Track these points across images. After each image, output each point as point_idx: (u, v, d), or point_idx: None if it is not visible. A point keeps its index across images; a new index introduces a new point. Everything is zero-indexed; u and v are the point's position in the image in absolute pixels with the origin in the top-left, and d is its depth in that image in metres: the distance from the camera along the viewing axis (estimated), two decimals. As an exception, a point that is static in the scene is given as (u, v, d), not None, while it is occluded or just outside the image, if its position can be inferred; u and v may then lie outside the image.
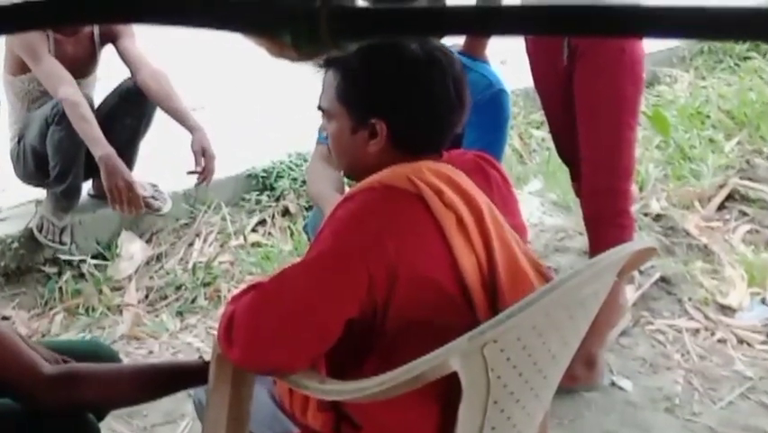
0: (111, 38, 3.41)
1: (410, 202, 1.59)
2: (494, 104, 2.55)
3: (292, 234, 3.76)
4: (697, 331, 3.17)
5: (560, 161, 3.08)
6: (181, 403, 2.67)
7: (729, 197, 3.95)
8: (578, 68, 2.63)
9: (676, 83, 5.33)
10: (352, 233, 1.57)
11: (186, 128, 3.26)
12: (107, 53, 3.49)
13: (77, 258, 3.51)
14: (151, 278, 3.54)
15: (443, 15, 0.59)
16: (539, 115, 4.37)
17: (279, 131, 4.27)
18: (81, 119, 3.15)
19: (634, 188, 3.08)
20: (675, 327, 3.18)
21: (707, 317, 3.22)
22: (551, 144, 3.34)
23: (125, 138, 3.42)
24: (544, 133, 4.39)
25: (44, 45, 3.24)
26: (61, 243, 3.48)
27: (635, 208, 3.29)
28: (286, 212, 3.90)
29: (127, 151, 3.40)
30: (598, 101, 2.62)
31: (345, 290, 1.55)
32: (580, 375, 2.72)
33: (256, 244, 3.73)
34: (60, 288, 3.43)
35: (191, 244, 3.71)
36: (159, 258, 3.64)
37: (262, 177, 3.98)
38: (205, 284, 3.49)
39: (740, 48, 5.52)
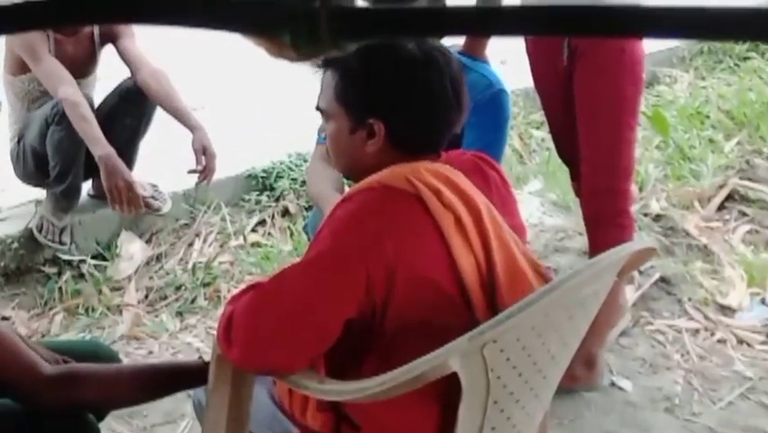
0: (111, 38, 3.41)
1: (409, 202, 1.59)
2: (494, 104, 2.55)
3: (292, 234, 3.76)
4: (697, 331, 3.17)
5: (560, 161, 3.08)
6: (181, 403, 2.67)
7: (729, 197, 3.95)
8: (578, 68, 2.63)
9: (676, 83, 5.33)
10: (350, 233, 1.57)
11: (186, 127, 3.26)
12: (107, 53, 3.49)
13: (76, 258, 3.51)
14: (151, 278, 3.54)
15: (443, 15, 0.60)
16: (539, 115, 4.37)
17: (279, 131, 4.27)
18: (81, 119, 3.15)
19: (633, 188, 3.08)
20: (675, 327, 3.18)
21: (706, 318, 3.22)
22: (551, 144, 3.34)
23: (125, 138, 3.42)
24: (543, 133, 4.39)
25: (44, 45, 3.24)
26: (61, 243, 3.48)
27: (634, 208, 3.29)
28: (285, 212, 3.90)
29: (127, 151, 3.40)
30: (598, 101, 2.62)
31: (344, 291, 1.55)
32: (580, 375, 2.72)
33: (256, 245, 3.73)
34: (60, 288, 3.43)
35: (191, 245, 3.71)
36: (158, 258, 3.64)
37: (262, 177, 3.98)
38: (205, 284, 3.49)
39: (740, 48, 5.51)
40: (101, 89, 3.54)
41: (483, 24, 0.61)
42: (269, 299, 1.58)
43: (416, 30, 0.66)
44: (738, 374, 2.94)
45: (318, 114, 1.76)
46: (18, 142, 3.44)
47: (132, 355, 3.09)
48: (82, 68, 3.39)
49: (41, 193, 3.57)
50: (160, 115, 3.45)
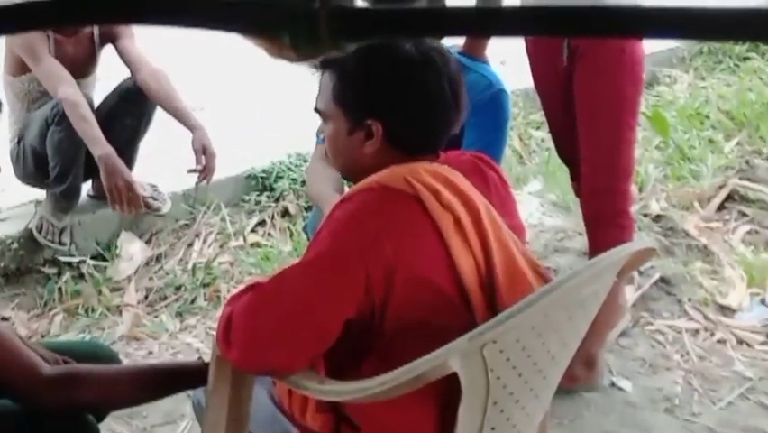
0: (111, 38, 3.41)
1: (408, 203, 1.59)
2: (494, 104, 2.55)
3: (292, 234, 3.76)
4: (696, 332, 3.17)
5: (560, 161, 3.08)
6: (181, 404, 2.67)
7: (729, 197, 3.95)
8: (578, 68, 2.63)
9: (676, 83, 5.32)
10: (350, 233, 1.57)
11: (186, 127, 3.26)
12: (107, 53, 3.49)
13: (76, 259, 3.51)
14: (151, 278, 3.54)
15: (442, 16, 0.60)
16: (539, 116, 4.37)
17: (279, 131, 4.27)
18: (81, 119, 3.15)
19: (633, 188, 3.08)
20: (675, 327, 3.18)
21: (706, 318, 3.22)
22: (551, 144, 3.34)
23: (125, 138, 3.42)
24: (543, 134, 4.39)
25: (44, 45, 3.24)
26: (61, 243, 3.48)
27: (634, 209, 3.29)
28: (285, 213, 3.90)
29: (127, 151, 3.40)
30: (598, 101, 2.62)
31: (344, 291, 1.55)
32: (579, 376, 2.72)
33: (256, 245, 3.73)
34: (60, 288, 3.43)
35: (191, 245, 3.71)
36: (158, 259, 3.64)
37: (262, 177, 3.98)
38: (205, 285, 3.49)
39: (740, 48, 5.51)
40: (101, 89, 3.54)
41: (483, 25, 0.61)
42: (268, 299, 1.58)
43: (415, 30, 0.66)
44: (738, 375, 2.94)
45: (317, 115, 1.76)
46: (18, 142, 3.44)
47: (132, 356, 3.09)
48: (82, 68, 3.39)
49: (40, 193, 3.57)
50: (159, 115, 3.45)
